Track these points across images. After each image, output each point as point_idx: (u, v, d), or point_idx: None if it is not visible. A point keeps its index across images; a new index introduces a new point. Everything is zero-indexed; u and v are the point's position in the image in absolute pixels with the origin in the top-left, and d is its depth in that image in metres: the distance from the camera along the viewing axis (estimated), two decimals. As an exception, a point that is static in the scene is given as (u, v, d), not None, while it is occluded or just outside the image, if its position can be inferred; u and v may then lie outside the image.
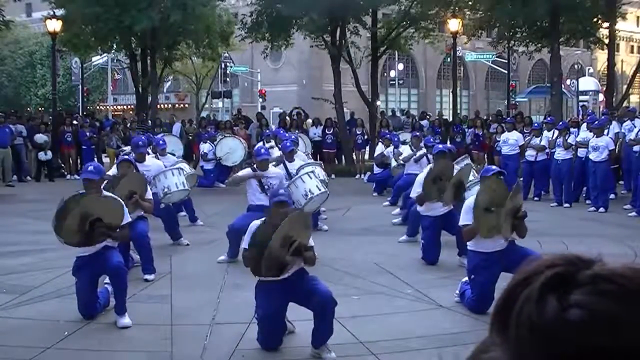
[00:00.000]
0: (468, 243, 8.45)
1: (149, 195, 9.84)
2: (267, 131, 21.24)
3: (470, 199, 8.63)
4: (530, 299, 0.93)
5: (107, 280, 7.97)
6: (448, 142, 22.12)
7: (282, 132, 19.66)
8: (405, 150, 16.33)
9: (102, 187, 8.33)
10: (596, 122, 16.69)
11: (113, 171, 10.83)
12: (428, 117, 29.78)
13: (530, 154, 17.93)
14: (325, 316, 6.50)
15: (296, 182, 11.61)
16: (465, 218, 8.33)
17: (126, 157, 11.01)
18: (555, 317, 0.90)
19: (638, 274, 0.93)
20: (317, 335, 6.56)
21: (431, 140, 16.34)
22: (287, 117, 26.45)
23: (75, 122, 25.59)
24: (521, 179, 16.54)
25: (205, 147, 20.84)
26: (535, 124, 19.96)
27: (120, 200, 8.10)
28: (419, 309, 8.16)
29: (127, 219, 8.06)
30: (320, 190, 11.64)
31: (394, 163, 17.58)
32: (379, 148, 19.76)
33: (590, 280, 0.92)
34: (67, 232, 7.46)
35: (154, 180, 11.72)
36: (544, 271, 0.95)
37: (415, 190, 11.09)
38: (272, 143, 16.42)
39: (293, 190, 11.30)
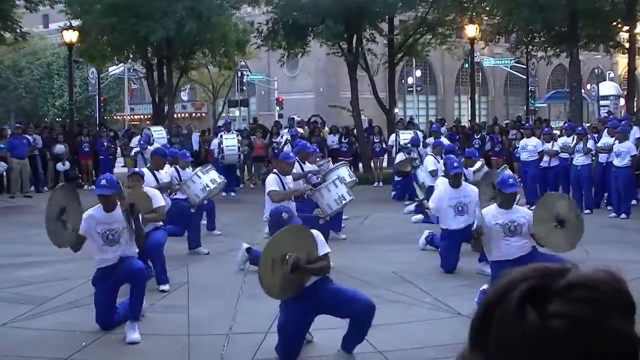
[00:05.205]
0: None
1: (157, 202, 9.76)
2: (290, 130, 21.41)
3: (485, 209, 8.57)
4: (509, 313, 0.95)
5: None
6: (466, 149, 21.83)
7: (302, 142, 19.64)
8: (429, 162, 15.83)
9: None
10: (619, 127, 16.42)
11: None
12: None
13: (544, 159, 17.75)
14: (364, 324, 6.45)
15: (329, 187, 11.86)
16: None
17: (136, 169, 11.03)
18: (536, 329, 0.92)
19: (610, 277, 0.96)
20: (350, 341, 6.50)
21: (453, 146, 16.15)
22: (306, 127, 26.34)
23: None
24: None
25: (214, 142, 21.81)
26: (546, 129, 19.60)
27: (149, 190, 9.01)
28: (437, 318, 8.09)
29: (162, 202, 8.79)
30: (350, 196, 12.05)
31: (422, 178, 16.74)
32: (400, 156, 19.44)
33: (565, 289, 0.95)
34: None
35: (183, 187, 12.23)
36: (519, 285, 0.97)
37: (434, 202, 11.01)
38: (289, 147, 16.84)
39: (325, 194, 11.64)
